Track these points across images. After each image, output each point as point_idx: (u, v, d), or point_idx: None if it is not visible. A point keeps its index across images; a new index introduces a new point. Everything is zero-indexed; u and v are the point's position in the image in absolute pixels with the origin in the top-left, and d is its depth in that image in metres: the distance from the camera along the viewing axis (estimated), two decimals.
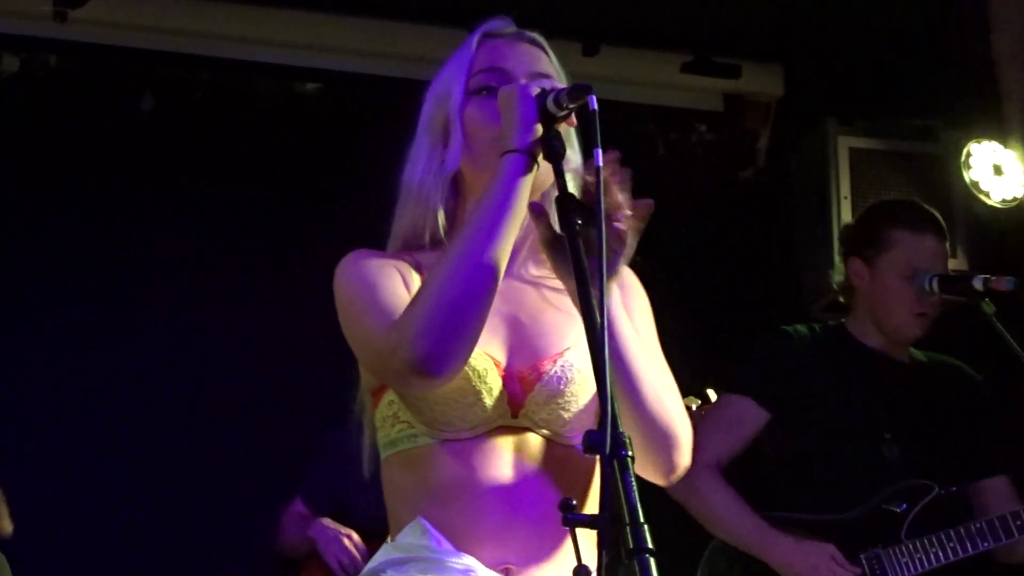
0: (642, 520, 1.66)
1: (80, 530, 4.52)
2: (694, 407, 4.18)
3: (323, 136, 4.87)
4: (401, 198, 2.28)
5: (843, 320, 3.93)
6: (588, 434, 1.71)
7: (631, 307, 2.22)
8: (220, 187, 4.81)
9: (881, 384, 3.79)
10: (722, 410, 3.84)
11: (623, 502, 1.67)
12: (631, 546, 1.65)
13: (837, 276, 4.02)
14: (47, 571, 4.27)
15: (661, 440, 2.09)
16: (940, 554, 3.62)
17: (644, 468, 2.10)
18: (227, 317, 4.75)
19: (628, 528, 1.66)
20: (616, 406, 1.72)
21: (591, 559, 1.70)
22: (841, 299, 3.99)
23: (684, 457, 2.12)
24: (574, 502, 1.75)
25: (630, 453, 1.71)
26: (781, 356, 3.80)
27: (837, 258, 4.12)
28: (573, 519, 1.72)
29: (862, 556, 3.63)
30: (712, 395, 4.20)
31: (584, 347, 1.86)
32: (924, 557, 3.63)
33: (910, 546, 3.63)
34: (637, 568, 1.62)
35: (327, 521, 4.25)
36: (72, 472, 4.53)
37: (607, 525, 1.67)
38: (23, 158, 4.64)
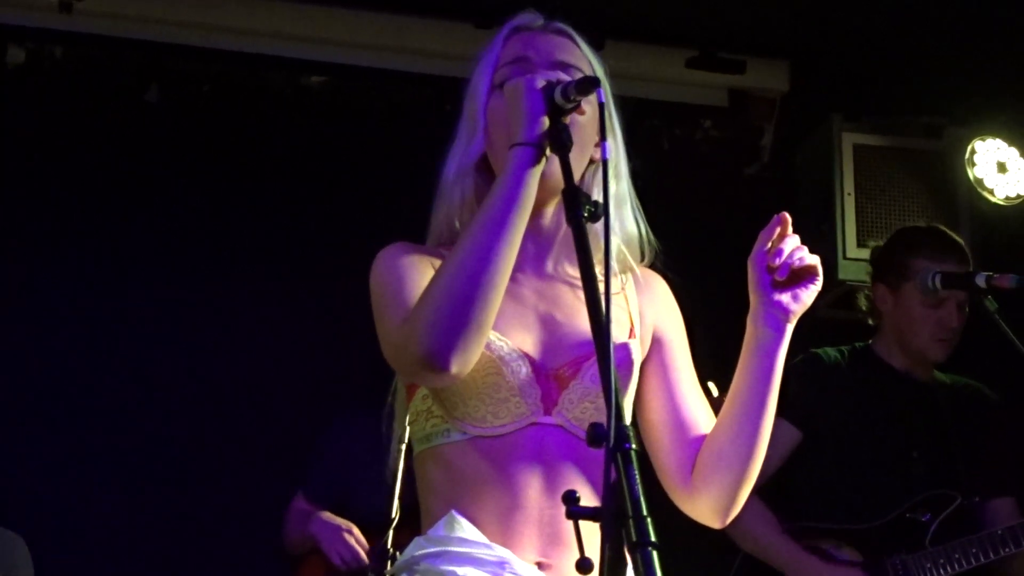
0: (645, 513, 1.66)
1: (84, 526, 4.52)
2: (715, 392, 4.17)
3: (330, 129, 4.86)
4: (438, 192, 2.28)
5: (870, 342, 4.02)
6: (593, 426, 1.71)
7: (669, 327, 2.28)
8: (226, 180, 4.81)
9: (908, 404, 3.89)
10: None
11: (626, 495, 1.67)
12: (634, 539, 1.65)
13: (864, 301, 4.13)
14: (53, 567, 4.28)
15: (743, 490, 2.18)
16: (963, 560, 3.68)
17: (709, 510, 2.20)
18: (232, 310, 4.75)
19: (631, 521, 1.66)
20: (619, 401, 1.73)
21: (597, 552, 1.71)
22: (870, 321, 4.08)
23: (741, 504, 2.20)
24: (578, 494, 1.75)
25: (634, 446, 1.71)
26: (812, 377, 3.89)
27: (864, 277, 4.22)
28: (576, 511, 1.73)
29: (887, 562, 3.68)
30: (713, 389, 4.19)
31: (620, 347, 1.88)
32: (947, 563, 3.67)
33: (934, 552, 3.70)
34: (640, 562, 1.63)
35: (327, 515, 4.25)
36: (74, 469, 4.53)
37: (610, 518, 1.67)
38: (29, 150, 4.64)
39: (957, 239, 3.98)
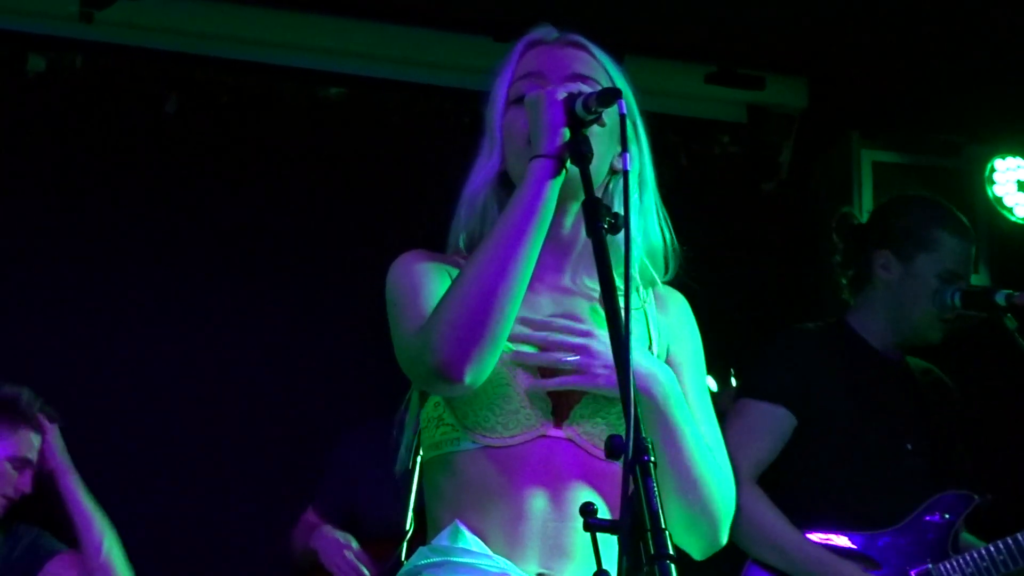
0: (663, 526, 1.66)
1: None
2: (715, 388, 4.10)
3: (347, 141, 4.87)
4: (458, 206, 2.27)
5: (844, 317, 3.84)
6: (611, 439, 1.71)
7: (682, 349, 2.25)
8: (244, 190, 4.82)
9: (893, 388, 3.75)
10: (752, 419, 3.69)
11: (644, 508, 1.67)
12: (652, 552, 1.64)
13: (848, 268, 3.91)
14: None
15: (704, 523, 2.13)
16: (991, 568, 3.57)
17: (685, 543, 2.14)
18: (247, 321, 4.77)
19: (649, 534, 1.66)
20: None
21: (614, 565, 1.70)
22: (843, 292, 3.89)
23: (724, 536, 2.16)
24: (595, 507, 1.75)
25: (652, 459, 1.71)
26: (801, 359, 3.73)
27: (840, 242, 3.95)
28: (594, 524, 1.73)
29: (912, 572, 3.58)
30: (712, 384, 4.13)
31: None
32: (976, 572, 3.58)
33: (960, 561, 3.59)
34: (658, 574, 1.62)
35: (329, 529, 4.26)
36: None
37: (628, 530, 1.67)
38: (48, 158, 4.65)
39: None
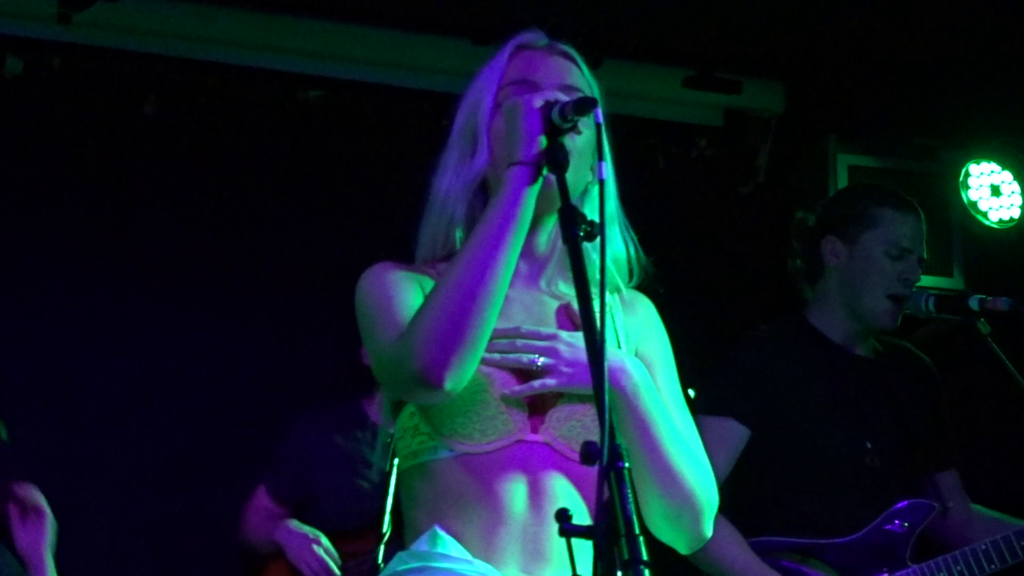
0: (638, 532, 1.67)
1: (73, 529, 4.53)
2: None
3: (326, 143, 4.88)
4: (428, 207, 2.27)
5: (803, 314, 3.81)
6: (586, 445, 1.72)
7: (651, 348, 2.25)
8: (222, 193, 4.82)
9: (853, 387, 3.70)
10: (704, 436, 3.62)
11: (619, 513, 1.68)
12: (626, 557, 1.65)
13: (797, 261, 3.90)
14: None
15: (686, 515, 2.13)
16: None
17: (668, 538, 2.15)
18: (224, 320, 4.77)
19: (624, 539, 1.67)
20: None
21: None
22: (801, 289, 3.86)
23: (708, 528, 2.16)
24: (570, 512, 1.76)
25: (627, 464, 1.72)
26: (752, 367, 3.68)
27: (797, 244, 3.97)
28: (569, 529, 1.73)
29: None
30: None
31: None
32: None
33: (917, 570, 3.57)
34: None
35: (294, 523, 4.26)
36: (64, 471, 4.54)
37: (603, 536, 1.68)
38: (26, 160, 4.64)
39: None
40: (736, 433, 3.63)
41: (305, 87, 4.80)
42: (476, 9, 4.48)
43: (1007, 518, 3.74)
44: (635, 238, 2.29)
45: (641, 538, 1.66)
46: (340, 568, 4.21)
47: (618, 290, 2.27)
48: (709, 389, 3.70)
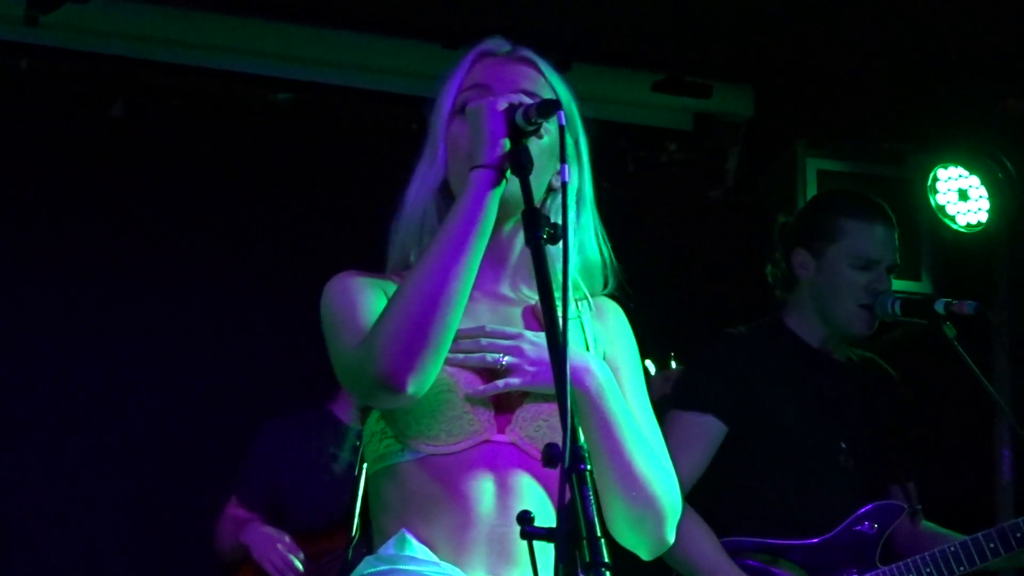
0: (599, 534, 1.67)
1: (63, 529, 4.54)
2: (652, 371, 4.11)
3: (296, 146, 4.88)
4: (398, 215, 2.27)
5: (780, 316, 3.82)
6: (548, 447, 1.72)
7: (618, 353, 2.25)
8: (192, 195, 4.82)
9: (829, 389, 3.72)
10: (681, 430, 3.59)
11: (580, 516, 1.68)
12: (587, 560, 1.66)
13: (772, 270, 3.89)
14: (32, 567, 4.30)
15: (648, 520, 2.12)
16: None
17: (631, 543, 2.14)
18: (196, 320, 4.77)
19: (585, 542, 1.67)
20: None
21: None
22: (777, 294, 3.87)
23: (671, 534, 2.16)
24: (532, 515, 1.76)
25: (588, 467, 1.72)
26: (730, 364, 3.68)
27: (776, 253, 3.93)
28: (530, 532, 1.73)
29: None
30: (650, 367, 4.11)
31: None
32: None
33: (886, 572, 3.58)
34: None
35: (259, 525, 4.27)
36: (52, 472, 4.55)
37: (564, 539, 1.68)
38: None
39: (880, 200, 3.82)
40: (714, 429, 3.63)
41: (275, 90, 4.80)
42: (446, 13, 4.49)
43: (953, 534, 3.75)
44: (609, 246, 2.29)
45: (603, 540, 1.66)
46: (309, 567, 4.21)
47: (588, 297, 2.28)
48: (686, 385, 3.73)
